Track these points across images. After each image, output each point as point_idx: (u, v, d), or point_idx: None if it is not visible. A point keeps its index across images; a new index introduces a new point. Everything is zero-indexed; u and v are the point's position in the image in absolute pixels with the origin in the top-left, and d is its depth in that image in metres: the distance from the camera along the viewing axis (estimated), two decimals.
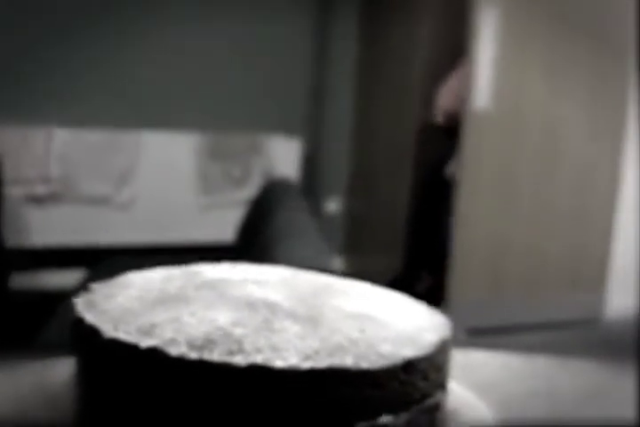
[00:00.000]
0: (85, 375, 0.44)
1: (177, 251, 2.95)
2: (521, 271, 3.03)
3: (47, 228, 2.86)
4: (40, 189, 2.86)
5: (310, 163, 3.42)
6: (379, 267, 3.34)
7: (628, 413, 0.56)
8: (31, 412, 0.47)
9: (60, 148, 2.88)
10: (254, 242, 1.80)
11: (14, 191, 2.75)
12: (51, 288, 2.66)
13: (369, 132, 3.44)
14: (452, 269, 2.91)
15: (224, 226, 2.73)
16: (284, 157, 3.29)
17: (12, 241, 2.66)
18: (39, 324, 1.48)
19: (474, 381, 0.59)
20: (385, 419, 0.40)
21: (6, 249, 2.57)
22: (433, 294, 2.89)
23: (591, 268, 3.15)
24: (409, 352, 0.41)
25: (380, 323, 0.44)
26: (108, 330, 0.41)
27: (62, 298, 1.67)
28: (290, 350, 0.39)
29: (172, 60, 3.00)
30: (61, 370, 0.56)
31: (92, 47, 2.86)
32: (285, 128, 3.30)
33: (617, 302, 3.19)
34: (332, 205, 3.53)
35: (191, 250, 2.96)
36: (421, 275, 3.02)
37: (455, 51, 2.90)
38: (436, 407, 0.43)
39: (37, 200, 2.86)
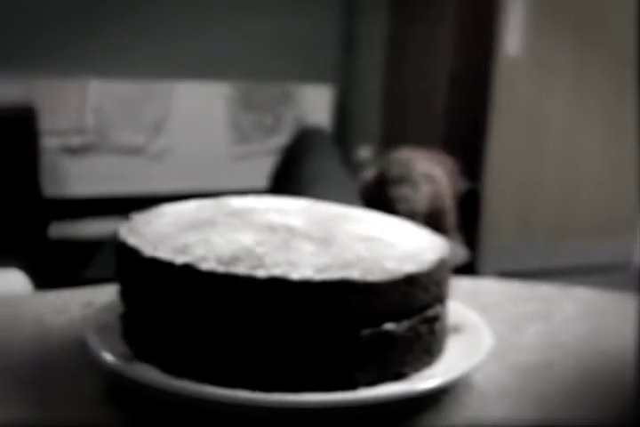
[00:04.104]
0: (128, 292, 0.50)
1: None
2: (551, 216, 3.06)
3: (83, 178, 2.93)
4: (75, 140, 2.92)
5: (342, 111, 3.45)
6: None
7: (624, 343, 0.62)
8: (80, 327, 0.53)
9: (94, 99, 2.93)
10: (285, 190, 1.84)
11: (50, 142, 2.82)
12: (89, 237, 2.73)
13: (400, 79, 3.45)
14: (482, 214, 2.95)
15: (256, 174, 2.78)
16: (315, 105, 3.32)
17: (50, 191, 2.73)
18: (83, 264, 1.55)
19: (478, 303, 0.65)
20: (388, 326, 0.46)
21: (45, 199, 2.64)
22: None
23: (621, 213, 3.17)
24: (410, 268, 0.47)
25: (386, 244, 0.50)
26: (148, 250, 0.47)
27: (103, 244, 1.74)
28: (305, 264, 0.45)
29: (203, 10, 3.03)
30: (107, 292, 0.63)
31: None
32: (317, 76, 3.32)
33: None
34: (364, 153, 3.57)
35: None
36: None
37: None
38: (435, 317, 0.49)
39: (73, 151, 2.92)
